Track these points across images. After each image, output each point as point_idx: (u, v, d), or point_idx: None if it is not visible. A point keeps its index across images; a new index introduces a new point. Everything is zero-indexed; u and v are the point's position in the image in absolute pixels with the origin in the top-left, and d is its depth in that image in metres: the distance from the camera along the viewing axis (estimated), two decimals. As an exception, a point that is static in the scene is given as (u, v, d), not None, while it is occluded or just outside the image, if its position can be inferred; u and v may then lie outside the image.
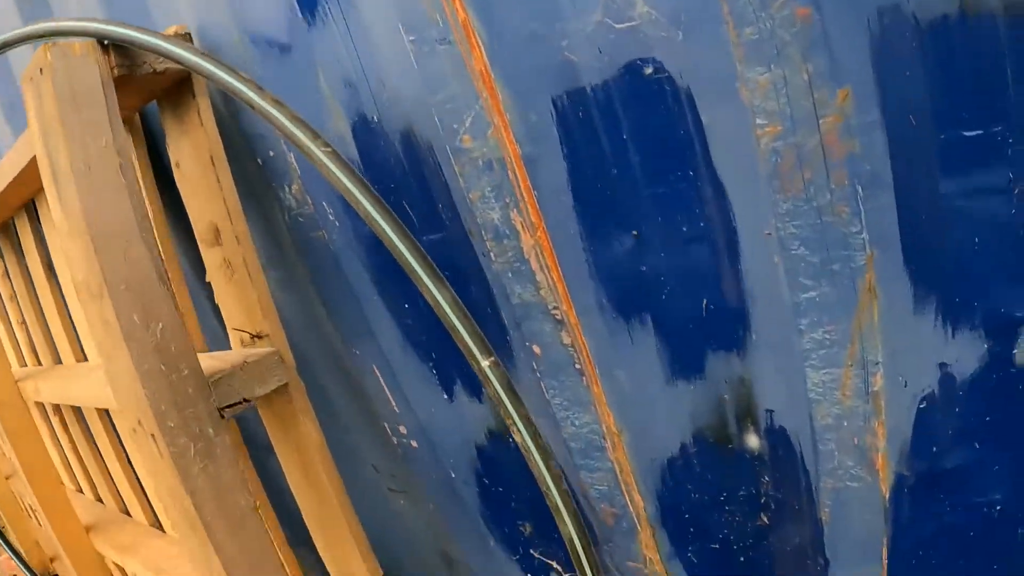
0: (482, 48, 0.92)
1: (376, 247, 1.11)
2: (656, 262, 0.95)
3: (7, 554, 1.97)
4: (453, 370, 1.15)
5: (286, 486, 1.24)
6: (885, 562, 1.12)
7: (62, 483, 1.75)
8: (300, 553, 1.41)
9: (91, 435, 1.68)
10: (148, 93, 1.19)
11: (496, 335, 1.07)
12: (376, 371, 1.20)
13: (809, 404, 0.98)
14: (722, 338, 0.98)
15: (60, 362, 1.67)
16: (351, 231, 1.11)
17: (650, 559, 1.19)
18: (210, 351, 1.27)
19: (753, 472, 1.09)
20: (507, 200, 0.96)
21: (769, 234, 0.89)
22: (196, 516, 1.03)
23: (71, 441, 1.76)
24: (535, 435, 0.90)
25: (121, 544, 1.60)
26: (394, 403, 1.22)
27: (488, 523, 1.30)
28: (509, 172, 0.95)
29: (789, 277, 0.90)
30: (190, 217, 1.18)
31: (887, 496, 1.06)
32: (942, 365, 0.95)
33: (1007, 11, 0.74)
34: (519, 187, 0.95)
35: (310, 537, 1.27)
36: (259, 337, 1.13)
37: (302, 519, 1.25)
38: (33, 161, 1.17)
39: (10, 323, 1.85)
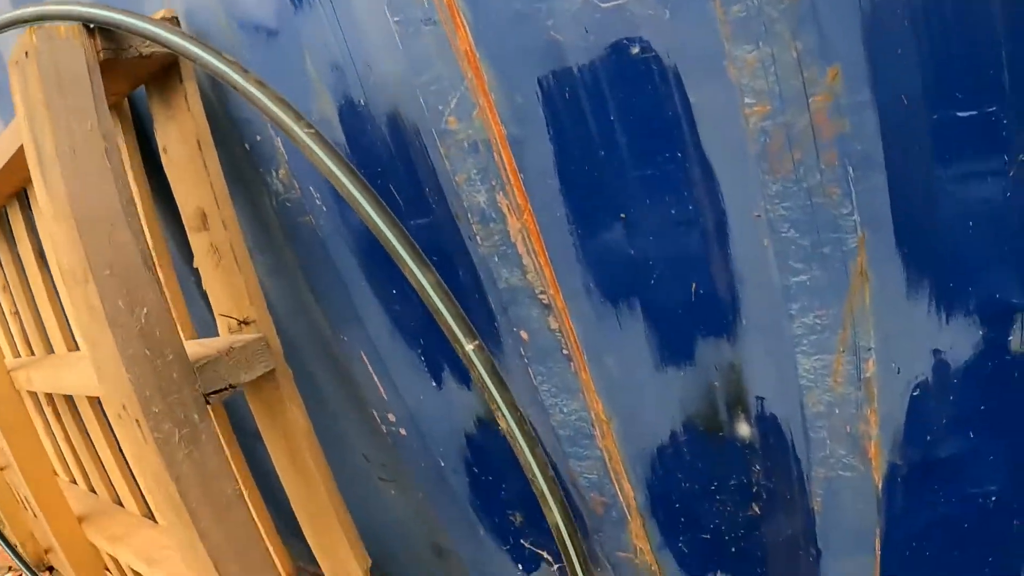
0: (467, 28, 0.91)
1: (363, 232, 1.10)
2: (644, 245, 0.94)
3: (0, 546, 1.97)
4: (441, 357, 1.13)
5: (275, 474, 1.24)
6: (878, 553, 1.11)
7: (55, 474, 1.75)
8: (290, 542, 1.41)
9: (83, 425, 1.68)
10: (135, 78, 1.19)
11: (483, 321, 1.06)
12: (364, 358, 1.19)
13: (800, 391, 0.97)
14: (712, 323, 0.97)
15: (52, 352, 1.66)
16: (338, 216, 1.10)
17: (640, 549, 1.18)
18: (199, 338, 1.26)
19: (744, 461, 1.07)
20: (493, 182, 0.95)
21: (758, 216, 0.87)
22: (181, 502, 1.03)
23: (64, 431, 1.75)
24: (520, 421, 0.88)
25: (113, 534, 1.59)
26: (382, 390, 1.21)
27: (478, 512, 1.29)
28: (495, 154, 0.94)
29: (779, 260, 0.89)
30: (177, 202, 1.17)
31: (880, 485, 1.04)
32: (936, 351, 0.94)
33: (1001, -13, 0.73)
34: (505, 169, 0.94)
35: (300, 526, 1.26)
36: (246, 323, 1.12)
37: (291, 508, 1.24)
38: (22, 149, 1.16)
39: (3, 313, 1.84)
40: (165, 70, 1.16)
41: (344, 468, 1.40)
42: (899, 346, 0.93)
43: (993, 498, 1.06)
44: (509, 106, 0.92)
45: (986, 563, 1.12)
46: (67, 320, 1.58)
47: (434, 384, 1.17)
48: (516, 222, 0.95)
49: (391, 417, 1.24)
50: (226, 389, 1.07)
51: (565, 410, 1.06)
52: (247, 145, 1.15)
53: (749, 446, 1.06)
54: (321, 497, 1.15)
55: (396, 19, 0.94)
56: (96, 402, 1.60)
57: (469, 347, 0.86)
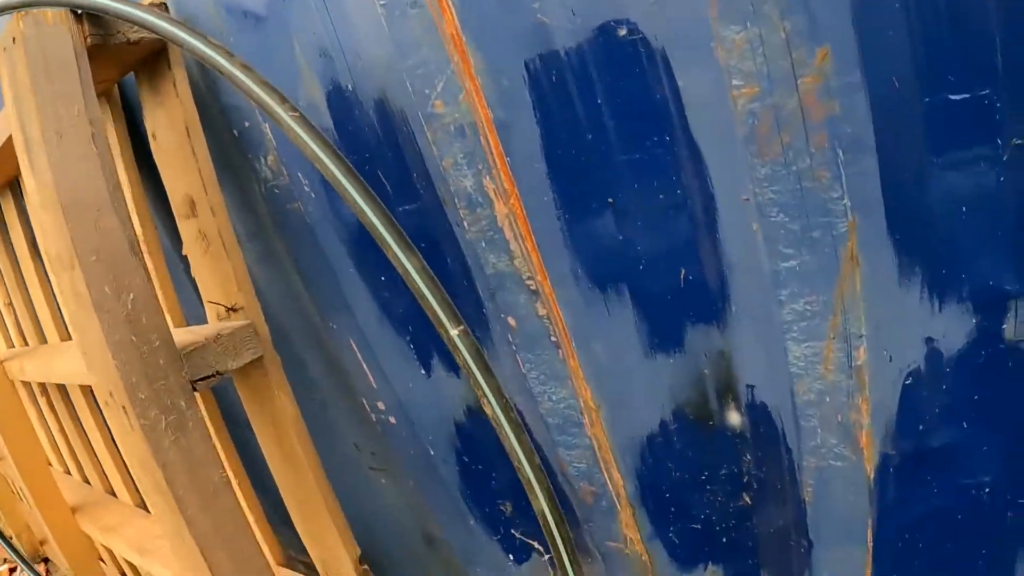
0: (453, 11, 0.90)
1: (352, 219, 1.09)
2: (632, 231, 0.93)
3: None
4: (430, 344, 1.13)
5: (266, 463, 1.23)
6: (870, 544, 1.10)
7: (49, 464, 1.75)
8: (281, 532, 1.40)
9: (76, 414, 1.68)
10: (124, 64, 1.18)
11: (471, 308, 1.05)
12: (353, 345, 1.19)
13: (791, 379, 0.96)
14: (701, 310, 0.96)
15: (46, 342, 1.66)
16: (326, 203, 1.09)
17: (630, 539, 1.17)
18: (188, 326, 1.26)
19: (734, 450, 1.06)
20: (479, 167, 0.94)
21: (747, 200, 0.86)
22: (167, 489, 1.03)
23: (58, 421, 1.76)
24: (506, 407, 0.88)
25: (106, 525, 1.60)
26: (372, 378, 1.21)
27: (468, 502, 1.28)
28: (481, 138, 0.93)
29: (768, 245, 0.88)
30: (166, 189, 1.17)
31: (872, 476, 1.03)
32: (928, 340, 0.93)
33: (994, -33, 0.71)
34: (491, 153, 0.93)
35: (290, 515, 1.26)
36: (234, 310, 1.12)
37: (281, 497, 1.24)
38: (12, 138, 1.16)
39: (-3, 304, 1.85)
40: (154, 56, 1.16)
41: (334, 457, 1.39)
42: (891, 333, 0.92)
43: (987, 489, 1.05)
44: (495, 89, 0.91)
45: (980, 555, 1.11)
46: (59, 310, 1.58)
47: (423, 372, 1.16)
48: (503, 207, 0.94)
49: (380, 405, 1.24)
50: (213, 376, 1.07)
51: (554, 398, 1.05)
52: (235, 132, 1.15)
53: (740, 435, 1.05)
54: (309, 485, 1.15)
55: (382, 3, 0.94)
56: (88, 391, 1.60)
57: (454, 332, 0.85)
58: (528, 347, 1.02)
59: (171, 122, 1.14)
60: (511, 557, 1.33)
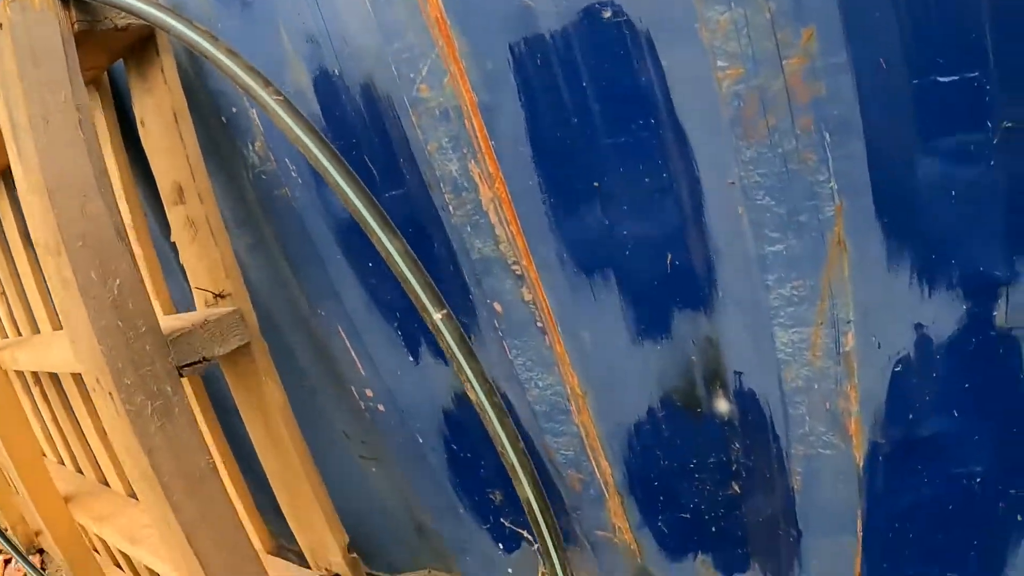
0: (438, -7, 0.89)
1: (339, 204, 1.09)
2: (618, 215, 0.93)
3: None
4: (418, 331, 1.13)
5: (255, 451, 1.23)
6: (860, 534, 1.09)
7: (42, 454, 1.75)
8: (272, 521, 1.41)
9: (69, 403, 1.69)
10: (113, 51, 1.18)
11: (458, 294, 1.05)
12: (341, 332, 1.19)
13: (778, 365, 0.95)
14: (688, 295, 0.95)
15: (39, 332, 1.67)
16: (313, 188, 1.09)
17: (619, 528, 1.17)
18: (177, 313, 1.26)
19: (723, 438, 1.06)
20: (464, 151, 0.93)
21: (732, 183, 0.86)
22: (153, 475, 1.03)
23: (51, 411, 1.76)
24: (490, 392, 0.87)
25: (99, 514, 1.60)
26: (360, 365, 1.21)
27: (457, 490, 1.28)
28: (466, 121, 0.92)
29: (754, 229, 0.87)
30: (155, 176, 1.17)
31: (861, 464, 1.02)
32: (918, 326, 0.92)
33: (982, -56, 0.71)
34: (476, 137, 0.92)
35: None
36: (222, 296, 1.12)
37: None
38: (4, 126, 1.16)
39: (-9, 295, 1.85)
40: (142, 43, 1.16)
41: (325, 446, 1.39)
42: (879, 319, 0.91)
43: (978, 479, 1.04)
44: (480, 73, 0.91)
45: (971, 546, 1.10)
46: (52, 300, 1.58)
47: (411, 359, 1.16)
48: (488, 191, 0.94)
49: (369, 393, 1.24)
50: (200, 362, 1.07)
51: (540, 384, 1.05)
52: (223, 118, 1.15)
53: (728, 423, 1.04)
54: (297, 472, 1.15)
55: (368, -14, 0.93)
56: (81, 380, 1.60)
57: (437, 316, 0.85)
58: (514, 333, 1.02)
59: (159, 109, 1.14)
60: (501, 546, 1.33)
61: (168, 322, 1.09)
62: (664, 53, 0.83)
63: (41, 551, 2.07)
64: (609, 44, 0.86)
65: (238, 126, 1.13)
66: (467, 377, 0.86)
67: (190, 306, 1.25)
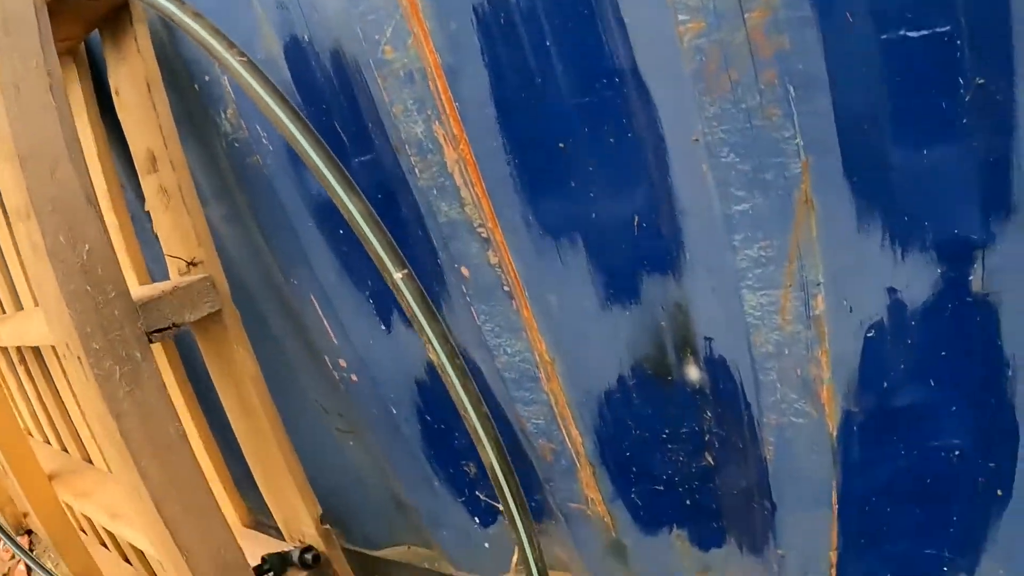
0: (401, -48, 0.89)
1: (310, 171, 1.09)
2: (583, 176, 0.92)
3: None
4: (390, 299, 1.12)
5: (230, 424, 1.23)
6: (835, 508, 1.08)
7: (27, 433, 1.77)
8: (251, 496, 1.40)
9: (52, 380, 1.70)
10: (88, 21, 1.19)
11: (427, 259, 1.05)
12: (314, 301, 1.19)
13: (747, 330, 0.94)
14: (656, 259, 0.95)
15: (22, 308, 1.68)
16: (284, 155, 1.09)
17: (592, 500, 1.16)
18: (153, 283, 1.26)
19: (695, 407, 1.05)
20: (429, 112, 0.93)
21: (696, 140, 0.85)
22: (122, 441, 1.03)
23: (35, 389, 1.78)
24: (451, 353, 0.87)
25: (82, 491, 1.61)
26: (332, 335, 1.20)
27: (432, 463, 1.28)
28: (430, 83, 0.92)
29: (719, 187, 0.86)
30: (129, 145, 1.17)
31: (835, 434, 1.01)
32: (891, 290, 0.90)
33: None
34: (440, 98, 0.92)
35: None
36: (194, 264, 1.12)
37: (246, 458, 1.24)
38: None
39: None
40: (116, 12, 1.16)
41: (303, 419, 1.40)
42: (850, 282, 0.90)
43: (956, 452, 1.02)
44: (443, 34, 0.90)
45: (950, 522, 1.08)
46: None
47: (383, 327, 1.16)
48: (453, 152, 0.94)
49: (342, 363, 1.24)
50: (170, 328, 1.07)
51: (509, 351, 1.04)
52: (197, 86, 1.15)
53: (699, 391, 1.03)
54: (269, 441, 1.15)
55: (334, -54, 0.93)
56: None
57: (398, 276, 0.85)
58: (482, 298, 1.02)
59: (132, 77, 1.15)
60: (477, 520, 1.32)
61: (139, 290, 1.10)
62: (626, 10, 0.83)
63: (29, 532, 2.09)
64: (572, 2, 0.85)
65: (211, 94, 1.13)
66: (428, 338, 0.86)
67: (167, 277, 1.26)
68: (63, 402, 1.70)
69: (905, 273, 0.88)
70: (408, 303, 0.86)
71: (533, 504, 1.25)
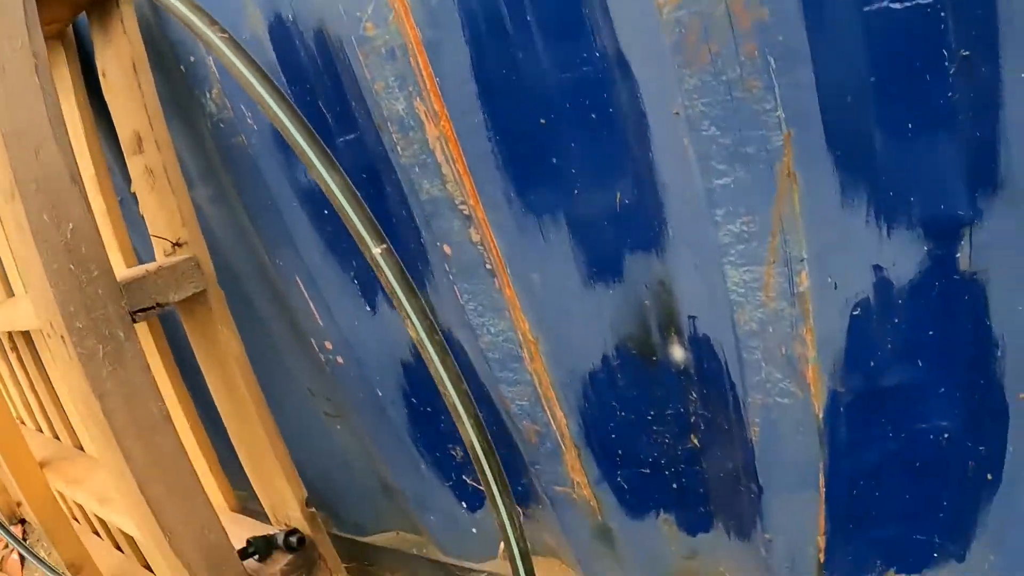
0: (382, -74, 0.89)
1: (293, 151, 1.08)
2: (566, 152, 0.91)
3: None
4: (374, 279, 1.12)
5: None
6: (823, 491, 1.07)
7: (20, 422, 1.77)
8: (240, 483, 1.40)
9: (43, 367, 1.70)
10: (75, 3, 1.20)
11: (411, 237, 1.05)
12: (299, 282, 1.19)
13: (731, 307, 0.93)
14: (639, 236, 0.94)
15: (13, 295, 1.69)
16: (269, 135, 1.09)
17: (578, 483, 1.15)
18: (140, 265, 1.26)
19: (680, 387, 1.04)
20: (410, 89, 0.93)
21: (677, 113, 0.84)
22: (105, 421, 1.03)
23: (27, 376, 1.78)
24: (431, 329, 0.87)
25: (73, 478, 1.62)
26: (318, 316, 1.20)
27: (418, 446, 1.27)
28: (411, 59, 0.92)
29: (701, 161, 0.85)
30: (116, 127, 1.18)
31: (821, 415, 1.00)
32: (877, 268, 0.90)
33: None
34: (421, 74, 0.92)
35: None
36: (179, 245, 1.12)
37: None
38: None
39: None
40: (103, -5, 1.17)
41: (289, 402, 1.40)
42: (835, 259, 0.89)
43: (945, 435, 1.01)
44: (424, 9, 0.90)
45: (940, 507, 1.07)
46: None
47: (368, 308, 1.15)
48: (434, 129, 0.93)
49: (328, 345, 1.23)
50: (154, 308, 1.07)
51: (492, 330, 1.04)
52: (183, 67, 1.15)
53: (684, 371, 1.02)
54: (254, 424, 1.15)
55: (316, -78, 0.93)
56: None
57: (376, 250, 0.85)
58: (464, 276, 1.01)
59: (118, 58, 1.15)
60: (464, 504, 1.32)
61: (125, 272, 1.10)
62: (606, -19, 0.82)
63: (23, 521, 2.10)
64: (552, -25, 0.85)
65: (196, 75, 1.13)
66: (407, 313, 0.85)
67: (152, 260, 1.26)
68: (54, 389, 1.71)
69: (891, 250, 0.87)
70: (387, 278, 0.85)
71: (519, 489, 1.25)
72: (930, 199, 0.84)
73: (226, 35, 0.92)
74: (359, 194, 0.89)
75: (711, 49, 0.81)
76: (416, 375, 1.19)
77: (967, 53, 0.76)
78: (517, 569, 0.95)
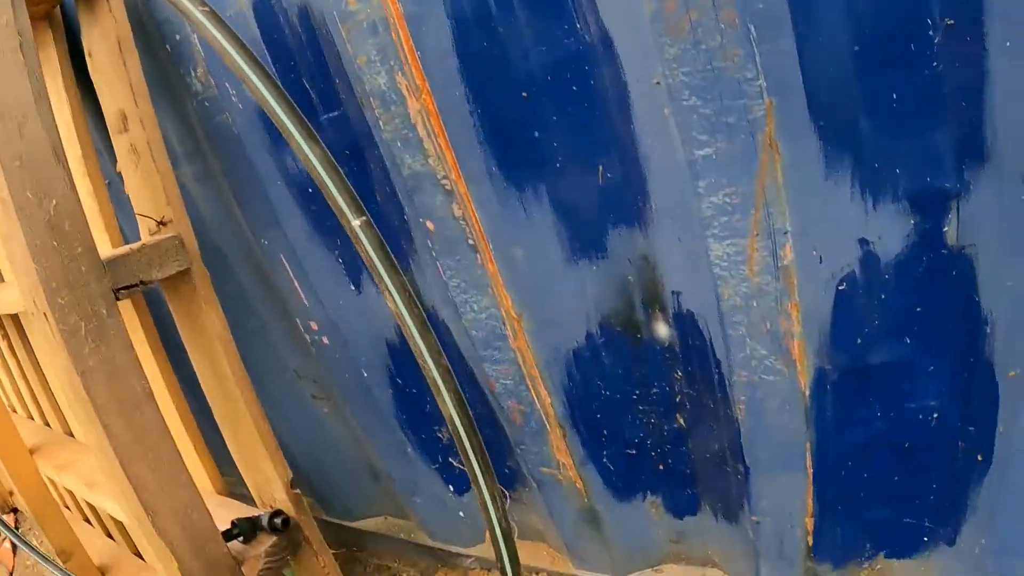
0: (362, -103, 0.88)
1: (277, 128, 1.08)
2: (548, 126, 0.91)
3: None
4: (359, 259, 1.11)
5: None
6: (810, 472, 1.05)
7: (11, 410, 1.77)
8: (228, 469, 1.40)
9: (32, 353, 1.70)
10: (62, -16, 1.20)
11: (394, 214, 1.04)
12: (284, 261, 1.18)
13: (715, 282, 0.92)
14: (622, 210, 0.93)
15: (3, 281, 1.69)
16: (253, 112, 1.09)
17: (563, 464, 1.14)
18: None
19: (664, 365, 1.03)
20: (392, 63, 0.92)
21: (658, 83, 0.83)
22: (87, 398, 1.03)
23: (17, 361, 1.78)
24: (410, 302, 0.86)
25: (62, 463, 1.61)
26: (303, 295, 1.20)
27: (404, 428, 1.26)
28: (393, 33, 0.91)
29: (682, 132, 0.85)
30: (102, 106, 1.18)
31: (807, 393, 0.99)
32: (863, 242, 0.88)
33: None
34: (403, 48, 0.91)
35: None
36: (164, 224, 1.12)
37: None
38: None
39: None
40: (90, -27, 1.17)
41: (277, 386, 1.39)
42: (820, 232, 0.88)
43: (934, 415, 1.00)
44: (407, -19, 0.90)
45: (930, 488, 1.06)
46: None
47: (353, 288, 1.15)
48: (415, 103, 0.93)
49: (313, 326, 1.23)
50: (137, 285, 1.07)
51: (475, 307, 1.03)
52: (168, 47, 1.15)
53: (668, 348, 1.02)
54: (238, 404, 1.14)
55: None
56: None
57: (356, 223, 0.84)
58: (447, 252, 1.01)
59: (104, 38, 1.15)
60: (451, 488, 1.31)
61: (110, 251, 1.09)
62: (586, -50, 0.82)
63: (15, 510, 2.10)
64: (533, -56, 0.84)
65: (181, 54, 1.13)
66: (386, 286, 0.85)
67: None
68: (44, 375, 1.71)
69: (877, 224, 0.86)
70: (366, 251, 0.85)
71: (506, 471, 1.24)
72: (916, 171, 0.83)
73: (207, 8, 0.92)
74: (341, 169, 0.88)
75: (691, 17, 0.80)
76: (401, 356, 1.19)
77: (952, 22, 0.76)
78: (499, 548, 0.94)
